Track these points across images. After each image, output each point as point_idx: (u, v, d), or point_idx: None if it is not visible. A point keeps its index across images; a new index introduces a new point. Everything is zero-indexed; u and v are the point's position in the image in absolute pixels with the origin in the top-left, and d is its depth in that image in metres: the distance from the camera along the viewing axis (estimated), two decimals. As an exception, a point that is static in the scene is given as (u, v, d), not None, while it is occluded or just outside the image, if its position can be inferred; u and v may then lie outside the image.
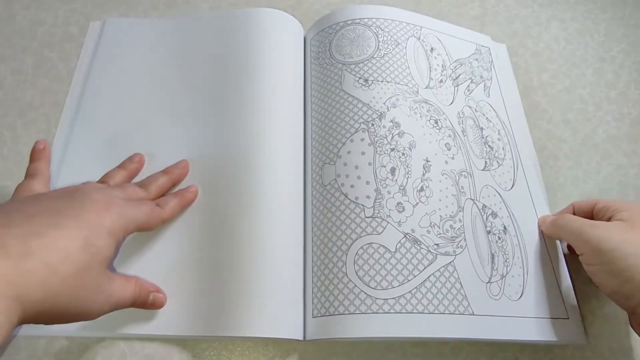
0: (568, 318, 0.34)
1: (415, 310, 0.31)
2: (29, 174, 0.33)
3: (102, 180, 0.35)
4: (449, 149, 0.38)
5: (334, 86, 0.40)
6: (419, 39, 0.43)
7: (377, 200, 0.35)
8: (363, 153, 0.36)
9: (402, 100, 0.39)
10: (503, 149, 0.40)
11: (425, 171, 0.36)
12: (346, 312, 0.31)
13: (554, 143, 0.45)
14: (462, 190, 0.37)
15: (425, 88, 0.41)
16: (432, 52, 0.43)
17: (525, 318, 0.33)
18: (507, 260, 0.35)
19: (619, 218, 0.33)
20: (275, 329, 0.31)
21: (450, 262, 0.34)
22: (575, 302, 0.35)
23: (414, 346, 0.35)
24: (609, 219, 0.33)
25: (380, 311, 0.31)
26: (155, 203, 0.34)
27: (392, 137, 0.37)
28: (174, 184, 0.37)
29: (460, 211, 0.36)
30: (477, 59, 0.45)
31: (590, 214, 0.36)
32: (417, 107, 0.39)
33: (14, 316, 0.22)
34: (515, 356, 0.35)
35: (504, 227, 0.36)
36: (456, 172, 0.37)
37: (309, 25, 0.46)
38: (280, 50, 0.42)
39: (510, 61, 0.50)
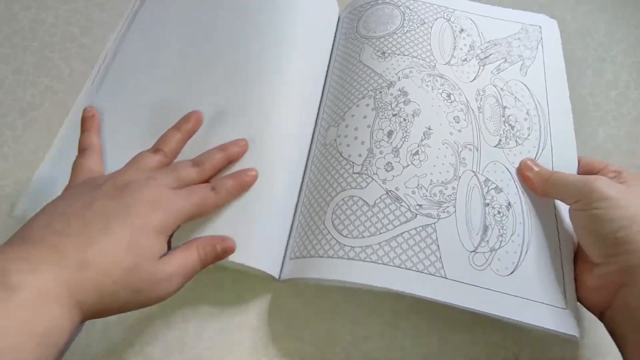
0: (566, 309, 0.32)
1: (380, 261, 0.32)
2: (81, 148, 0.34)
3: (157, 148, 0.34)
4: (458, 122, 0.38)
5: (354, 57, 0.43)
6: (448, 20, 0.44)
7: (367, 159, 0.36)
8: (365, 117, 0.38)
9: (415, 72, 0.40)
10: (529, 128, 0.40)
11: (425, 137, 0.37)
12: (315, 255, 0.33)
13: (554, 143, 0.45)
14: (464, 162, 0.37)
15: (445, 64, 0.41)
16: (461, 32, 0.44)
17: (511, 296, 0.32)
18: (504, 236, 0.34)
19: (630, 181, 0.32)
20: (258, 260, 0.33)
21: (431, 224, 0.34)
22: (574, 293, 0.34)
23: (415, 345, 0.35)
24: None
25: (345, 257, 0.32)
26: (210, 186, 0.33)
27: (397, 104, 0.39)
28: (230, 162, 0.36)
29: (455, 180, 0.36)
30: (519, 38, 0.44)
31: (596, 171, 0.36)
32: (430, 80, 0.40)
33: (75, 319, 0.25)
34: (515, 356, 0.35)
35: (509, 203, 0.36)
36: (460, 143, 0.37)
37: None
38: (311, 24, 0.44)
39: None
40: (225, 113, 0.39)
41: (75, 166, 0.33)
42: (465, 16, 0.45)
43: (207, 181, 0.34)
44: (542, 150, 0.39)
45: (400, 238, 0.33)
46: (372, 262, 0.32)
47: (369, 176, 0.36)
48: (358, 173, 0.36)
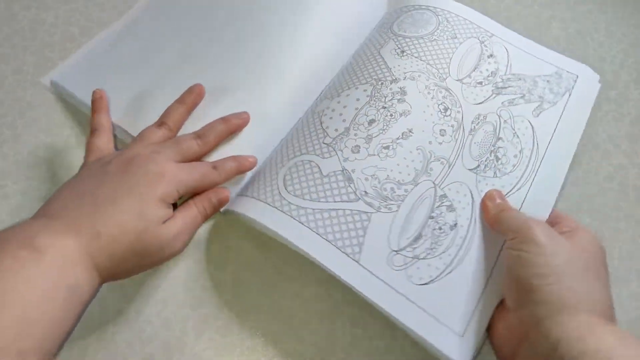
0: (461, 335, 0.32)
1: (306, 224, 0.34)
2: (92, 129, 0.36)
3: (161, 122, 0.36)
4: (442, 135, 0.38)
5: (375, 48, 0.43)
6: (482, 42, 0.44)
7: (340, 135, 0.37)
8: (357, 99, 0.39)
9: (423, 78, 0.40)
10: (514, 165, 0.39)
11: (402, 137, 0.37)
12: (257, 198, 0.35)
13: (554, 143, 0.45)
14: (429, 172, 0.37)
15: (457, 80, 0.41)
16: (489, 57, 0.43)
17: (411, 302, 0.32)
18: (433, 250, 0.34)
19: (570, 234, 0.32)
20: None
21: (368, 213, 0.35)
22: (484, 328, 0.33)
23: (414, 346, 0.35)
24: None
25: (280, 209, 0.34)
26: (212, 165, 0.35)
27: (392, 99, 0.39)
28: (232, 133, 0.38)
29: (412, 184, 0.36)
30: (548, 81, 0.43)
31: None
32: (434, 90, 0.40)
33: (95, 282, 0.28)
34: None
35: (455, 224, 0.35)
36: (435, 155, 0.37)
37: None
38: (346, 13, 0.46)
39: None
40: (232, 86, 0.41)
41: (88, 145, 0.35)
42: (502, 44, 0.44)
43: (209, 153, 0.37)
44: (517, 190, 0.38)
45: (334, 213, 0.34)
46: (299, 222, 0.34)
47: (335, 150, 0.37)
48: (327, 144, 0.37)
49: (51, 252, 0.26)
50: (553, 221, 0.35)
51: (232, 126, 0.38)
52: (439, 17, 0.44)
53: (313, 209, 0.34)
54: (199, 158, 0.36)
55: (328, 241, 0.33)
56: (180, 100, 0.38)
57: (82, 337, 0.34)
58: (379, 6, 0.48)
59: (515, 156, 0.39)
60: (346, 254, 0.33)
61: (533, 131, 0.40)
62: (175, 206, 0.33)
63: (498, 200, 0.36)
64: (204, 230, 0.38)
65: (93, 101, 0.38)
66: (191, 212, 0.33)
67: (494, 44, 0.44)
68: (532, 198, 0.38)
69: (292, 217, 0.34)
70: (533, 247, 0.30)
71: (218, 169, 0.35)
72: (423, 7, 0.45)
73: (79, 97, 0.41)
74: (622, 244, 0.41)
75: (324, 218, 0.34)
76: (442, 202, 0.36)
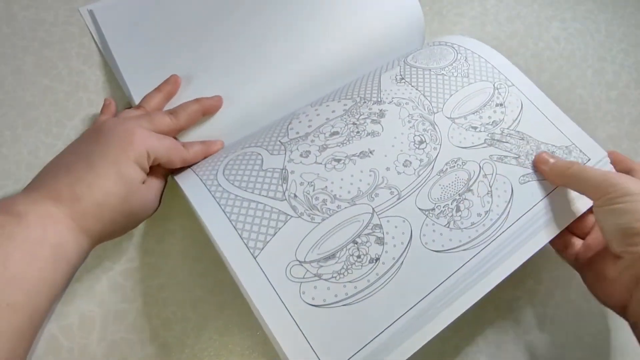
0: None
1: (222, 208, 0.33)
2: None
3: (140, 105, 0.38)
4: (405, 166, 0.36)
5: (379, 72, 0.42)
6: (496, 88, 0.40)
7: (298, 139, 0.37)
8: (333, 111, 0.38)
9: (410, 106, 0.38)
10: (472, 224, 0.34)
11: (358, 155, 0.36)
12: (196, 171, 0.36)
13: (554, 143, 0.45)
14: (373, 197, 0.34)
15: (447, 117, 0.38)
16: (497, 106, 0.39)
17: (292, 319, 0.30)
18: (340, 275, 0.31)
19: None
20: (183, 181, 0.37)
21: (288, 215, 0.33)
22: None
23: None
24: None
25: (207, 187, 0.34)
26: (182, 143, 0.37)
27: (366, 118, 0.38)
28: (205, 114, 0.39)
29: (348, 203, 0.34)
30: (554, 152, 0.38)
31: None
32: (417, 120, 0.38)
33: (84, 244, 0.29)
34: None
35: (376, 259, 0.32)
36: (387, 182, 0.35)
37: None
38: (381, 38, 0.45)
39: (511, 61, 0.49)
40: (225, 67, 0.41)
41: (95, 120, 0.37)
42: (519, 96, 0.40)
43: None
44: (461, 250, 0.33)
45: (254, 204, 0.33)
46: (218, 203, 0.33)
47: (285, 149, 0.36)
48: (281, 142, 0.37)
49: (31, 215, 0.27)
50: (623, 168, 0.37)
51: (205, 107, 0.38)
52: (459, 54, 0.42)
53: (236, 196, 0.34)
54: (170, 135, 0.37)
55: (235, 228, 0.32)
56: (158, 89, 0.39)
57: (82, 336, 0.34)
58: (413, 41, 0.47)
59: (478, 215, 0.35)
60: (246, 246, 0.32)
61: (511, 198, 0.36)
62: None
63: (551, 161, 0.36)
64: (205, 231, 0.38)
65: (103, 107, 0.40)
66: (157, 172, 0.35)
67: (510, 94, 0.40)
68: (473, 268, 0.33)
69: (214, 197, 0.34)
70: (627, 197, 0.31)
71: (187, 147, 0.36)
72: (448, 43, 0.44)
73: (105, 36, 0.43)
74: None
75: (242, 206, 0.33)
76: (374, 231, 0.33)
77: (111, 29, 0.43)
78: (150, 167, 0.34)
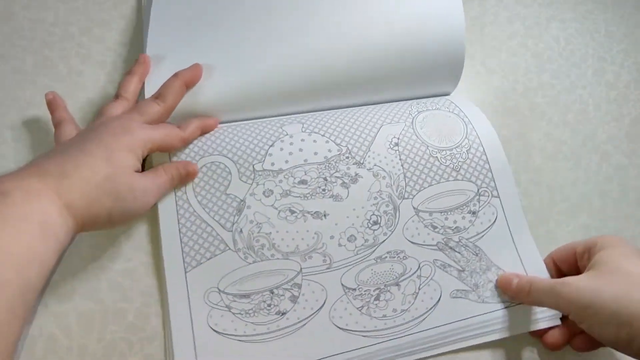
0: None
1: (179, 214, 0.36)
2: (55, 124, 0.37)
3: (118, 94, 0.38)
4: (349, 241, 0.36)
5: (382, 121, 0.40)
6: (479, 195, 0.39)
7: (271, 172, 0.37)
8: (315, 153, 0.38)
9: (384, 182, 0.38)
10: (383, 316, 0.35)
11: (312, 214, 0.36)
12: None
13: (554, 144, 0.45)
14: (306, 258, 0.35)
15: (413, 207, 0.38)
16: (469, 214, 0.38)
17: (192, 338, 0.33)
18: (246, 315, 0.34)
19: (593, 264, 0.32)
20: None
21: (227, 247, 0.35)
22: None
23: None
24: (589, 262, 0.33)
25: (176, 194, 0.36)
26: (176, 125, 0.37)
27: (338, 178, 0.38)
28: (187, 86, 0.38)
29: (281, 256, 0.35)
30: (502, 290, 0.36)
31: (574, 261, 0.36)
32: (384, 199, 0.37)
33: (69, 221, 0.29)
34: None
35: (283, 313, 0.34)
36: (325, 250, 0.36)
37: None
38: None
39: (510, 61, 0.49)
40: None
41: (55, 138, 0.36)
42: (496, 210, 0.38)
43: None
44: (361, 336, 0.34)
45: (204, 226, 0.35)
46: (177, 211, 0.36)
47: (253, 180, 0.37)
48: (254, 169, 0.37)
49: (17, 191, 0.27)
50: (577, 255, 0.36)
51: (186, 79, 0.38)
52: (466, 139, 0.40)
53: (194, 210, 0.36)
54: (163, 118, 0.37)
55: (180, 240, 0.35)
56: (130, 72, 0.39)
57: (82, 336, 0.34)
58: (446, 54, 0.42)
59: (394, 310, 0.35)
60: (183, 260, 0.34)
61: (434, 306, 0.35)
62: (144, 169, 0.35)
63: (514, 282, 0.35)
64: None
65: (48, 104, 0.38)
66: (160, 175, 0.35)
67: (489, 205, 0.38)
68: (366, 355, 0.34)
69: (176, 204, 0.36)
70: (585, 312, 0.30)
71: (183, 127, 0.37)
72: (465, 118, 0.41)
73: (151, 13, 0.41)
74: (621, 244, 0.41)
75: (194, 223, 0.35)
76: (292, 289, 0.35)
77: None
78: (157, 167, 0.35)
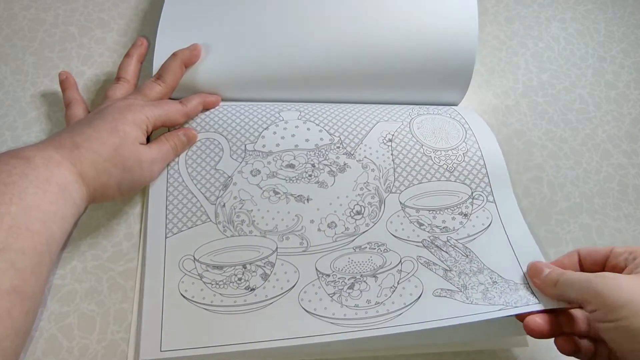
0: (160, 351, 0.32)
1: (169, 181, 0.37)
2: (66, 104, 0.39)
3: (118, 77, 0.40)
4: (329, 227, 0.36)
5: (380, 118, 0.41)
6: (473, 198, 0.38)
7: (260, 152, 0.38)
8: (307, 140, 0.39)
9: (372, 175, 0.38)
10: (355, 306, 0.33)
11: (295, 197, 0.37)
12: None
13: (554, 143, 0.45)
14: (283, 239, 0.35)
15: (400, 202, 0.37)
16: (460, 215, 0.37)
17: (160, 304, 0.33)
18: (216, 286, 0.34)
19: (638, 265, 0.29)
20: None
21: (208, 218, 0.36)
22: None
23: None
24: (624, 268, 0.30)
25: (167, 166, 0.38)
26: (178, 101, 0.39)
27: (326, 165, 0.38)
28: (187, 66, 0.40)
29: (259, 233, 0.36)
30: (496, 281, 0.34)
31: (602, 258, 0.32)
32: (370, 191, 0.37)
33: (83, 190, 0.31)
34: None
35: (252, 289, 0.34)
36: (304, 233, 0.36)
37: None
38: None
39: (510, 61, 0.50)
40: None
41: (66, 118, 0.38)
42: (492, 215, 0.38)
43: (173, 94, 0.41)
44: (329, 323, 0.33)
45: (190, 195, 0.37)
46: (167, 179, 0.37)
47: (243, 160, 0.38)
48: (244, 150, 0.39)
49: (38, 158, 0.30)
50: (596, 259, 0.33)
51: (184, 59, 0.39)
52: (464, 142, 0.40)
53: (183, 181, 0.37)
54: (165, 97, 0.39)
55: (166, 207, 0.36)
56: (128, 55, 0.42)
57: (83, 336, 0.34)
58: (456, 52, 0.41)
59: (367, 301, 0.33)
60: (165, 226, 0.36)
61: (413, 303, 0.33)
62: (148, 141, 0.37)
63: (545, 272, 0.33)
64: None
65: (60, 82, 0.41)
66: (163, 144, 0.37)
67: (483, 210, 0.38)
68: (330, 343, 0.32)
69: (167, 172, 0.38)
70: (618, 312, 0.27)
71: (184, 102, 0.39)
72: (464, 124, 0.41)
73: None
74: (622, 244, 0.41)
75: (182, 193, 0.37)
76: (264, 266, 0.34)
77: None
78: (159, 137, 0.37)
